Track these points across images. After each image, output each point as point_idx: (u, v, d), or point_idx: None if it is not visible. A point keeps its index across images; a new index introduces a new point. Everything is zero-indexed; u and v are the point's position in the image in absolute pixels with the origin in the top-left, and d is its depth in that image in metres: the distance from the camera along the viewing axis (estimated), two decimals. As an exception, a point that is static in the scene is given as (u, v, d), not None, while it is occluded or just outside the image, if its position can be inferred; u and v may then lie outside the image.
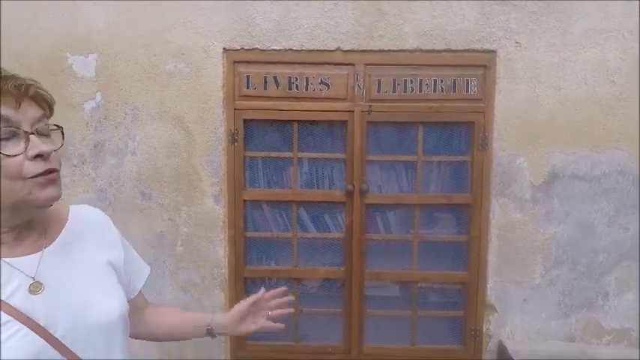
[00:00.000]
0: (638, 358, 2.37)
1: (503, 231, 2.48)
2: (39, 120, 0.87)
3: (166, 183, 2.46)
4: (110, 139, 2.43)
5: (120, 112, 2.41)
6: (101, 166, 2.44)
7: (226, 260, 2.52)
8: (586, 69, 2.36)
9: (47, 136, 0.89)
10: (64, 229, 0.99)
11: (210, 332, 1.24)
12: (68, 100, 2.39)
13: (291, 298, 1.31)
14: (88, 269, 0.97)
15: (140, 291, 1.18)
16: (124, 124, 2.42)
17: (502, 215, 2.47)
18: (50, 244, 0.95)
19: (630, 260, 2.45)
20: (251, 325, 1.25)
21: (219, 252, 2.51)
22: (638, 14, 2.30)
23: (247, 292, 2.57)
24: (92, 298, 0.93)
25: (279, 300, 1.28)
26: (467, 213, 2.52)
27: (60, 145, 0.91)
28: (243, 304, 1.26)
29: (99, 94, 2.40)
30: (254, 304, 1.26)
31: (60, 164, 0.91)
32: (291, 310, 1.29)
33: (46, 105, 0.91)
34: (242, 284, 2.55)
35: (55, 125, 0.92)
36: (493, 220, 2.47)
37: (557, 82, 2.37)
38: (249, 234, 2.56)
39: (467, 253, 2.53)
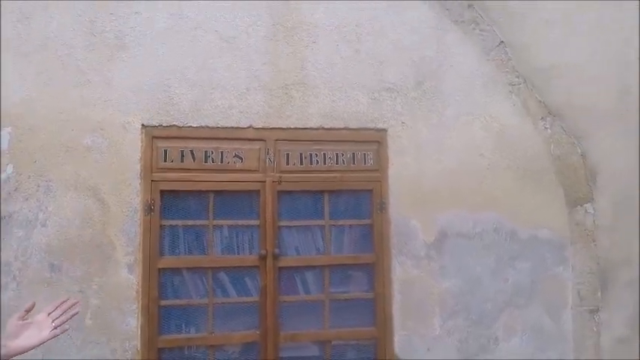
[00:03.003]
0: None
1: (404, 287, 2.45)
2: None
3: (78, 254, 2.20)
4: (19, 211, 2.16)
5: (32, 184, 2.18)
6: (7, 239, 2.14)
7: (139, 331, 2.23)
8: (460, 145, 2.53)
9: None
10: None
11: None
12: (-24, 172, 2.13)
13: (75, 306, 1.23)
14: None
15: None
16: (35, 196, 2.18)
17: (402, 272, 2.46)
18: None
19: (513, 307, 2.50)
20: (32, 339, 1.19)
21: (132, 323, 2.22)
22: (495, 101, 2.57)
23: (161, 365, 2.28)
24: None
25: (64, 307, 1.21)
26: (372, 271, 2.49)
27: None
28: (12, 321, 1.19)
29: (10, 166, 2.17)
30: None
31: None
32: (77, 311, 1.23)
33: None
34: (155, 355, 2.25)
35: None
36: (394, 276, 2.45)
37: (437, 155, 2.52)
38: (163, 302, 2.31)
39: (374, 309, 2.46)
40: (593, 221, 2.51)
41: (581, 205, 2.53)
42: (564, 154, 2.55)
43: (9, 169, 2.17)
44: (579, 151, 2.54)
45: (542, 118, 2.56)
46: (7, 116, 2.18)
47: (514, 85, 2.55)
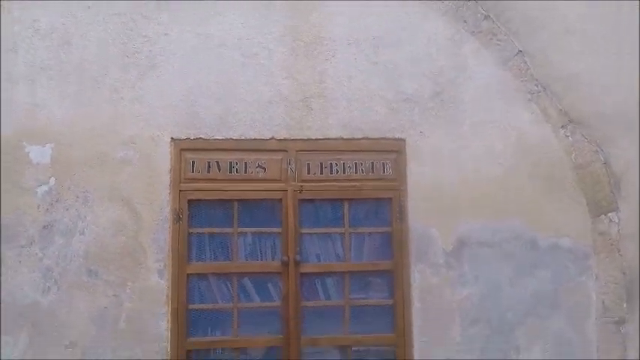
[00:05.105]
0: None
1: (423, 294, 2.39)
2: None
3: (113, 260, 2.26)
4: (60, 220, 2.25)
5: (71, 195, 2.26)
6: (49, 247, 2.23)
7: (168, 333, 2.27)
8: (478, 153, 2.44)
9: None
10: None
11: None
12: (22, 185, 2.23)
13: None
14: None
15: None
16: (74, 206, 2.26)
17: (421, 279, 2.39)
18: None
19: (534, 316, 2.39)
20: None
21: (162, 326, 2.26)
22: (514, 110, 2.46)
23: (189, 365, 2.31)
24: None
25: None
26: (391, 278, 2.44)
27: None
28: None
29: (53, 179, 2.26)
30: None
31: None
32: None
33: None
34: (184, 356, 2.29)
35: None
36: (414, 284, 2.39)
37: (456, 164, 2.43)
38: (191, 306, 2.34)
39: (393, 316, 2.41)
40: (618, 230, 2.37)
41: (605, 214, 2.39)
42: (586, 162, 2.42)
43: (51, 182, 2.26)
44: (602, 159, 2.40)
45: (562, 126, 2.43)
46: (50, 133, 2.28)
47: (533, 93, 2.44)
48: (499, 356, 2.37)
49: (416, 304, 2.38)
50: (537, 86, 2.43)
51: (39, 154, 2.26)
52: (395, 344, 2.40)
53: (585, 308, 2.39)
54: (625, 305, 2.35)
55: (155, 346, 2.25)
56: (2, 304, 2.17)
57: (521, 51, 2.42)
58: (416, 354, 2.36)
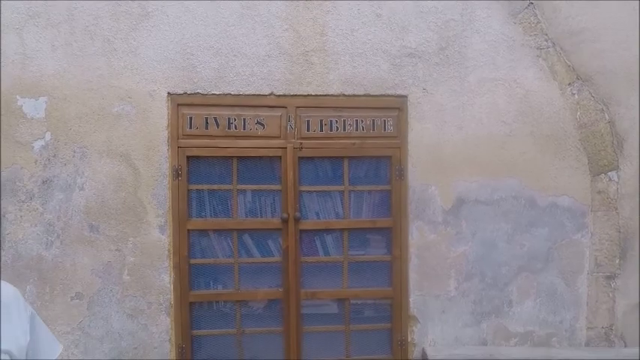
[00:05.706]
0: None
1: (420, 250, 2.42)
2: None
3: (114, 215, 2.27)
4: (59, 175, 2.23)
5: (69, 150, 2.23)
6: (50, 201, 2.22)
7: (171, 286, 2.32)
8: (482, 111, 2.40)
9: None
10: None
11: None
12: (17, 139, 2.19)
13: None
14: None
15: None
16: (72, 162, 2.23)
17: (419, 236, 2.42)
18: None
19: (528, 272, 2.44)
20: None
21: (165, 279, 2.31)
22: (520, 66, 2.38)
23: (193, 316, 2.37)
24: None
25: None
26: (389, 235, 2.46)
27: None
28: None
29: (48, 133, 2.21)
30: None
31: None
32: None
33: None
34: (187, 308, 2.35)
35: None
36: (412, 240, 2.42)
37: (458, 122, 2.39)
38: (193, 261, 2.38)
39: (391, 271, 2.46)
40: (617, 189, 2.37)
41: (605, 173, 2.38)
42: (591, 120, 2.37)
43: (47, 136, 2.22)
44: (607, 117, 2.36)
45: (569, 83, 2.36)
46: (43, 86, 2.20)
47: (542, 49, 2.34)
48: (492, 309, 2.44)
49: (413, 260, 2.42)
50: (547, 41, 2.33)
51: (33, 107, 2.19)
52: (391, 297, 2.46)
53: (578, 264, 2.43)
54: (617, 261, 2.40)
55: (159, 298, 2.30)
56: (7, 257, 2.19)
57: (532, 3, 2.31)
58: (411, 306, 2.43)
